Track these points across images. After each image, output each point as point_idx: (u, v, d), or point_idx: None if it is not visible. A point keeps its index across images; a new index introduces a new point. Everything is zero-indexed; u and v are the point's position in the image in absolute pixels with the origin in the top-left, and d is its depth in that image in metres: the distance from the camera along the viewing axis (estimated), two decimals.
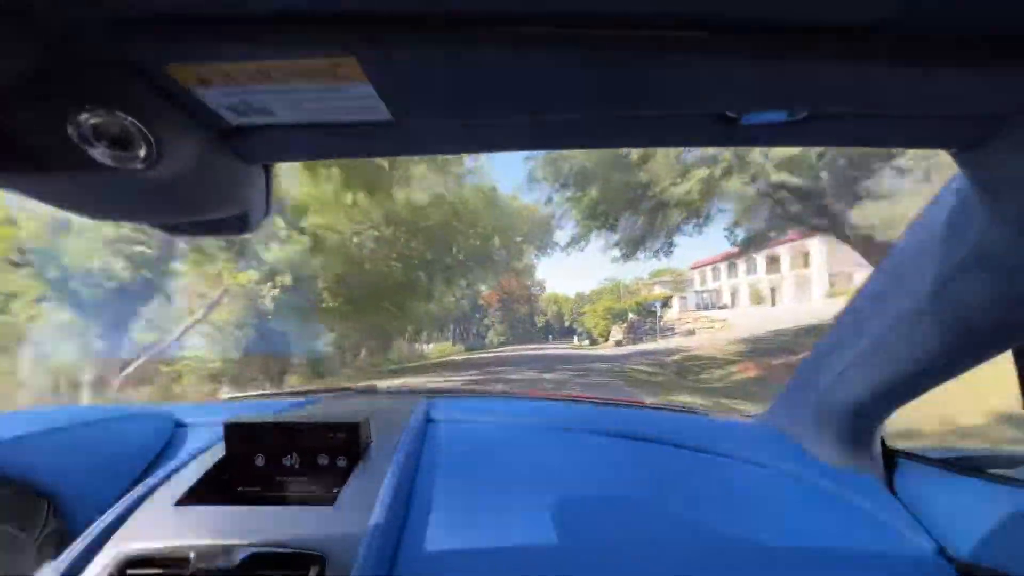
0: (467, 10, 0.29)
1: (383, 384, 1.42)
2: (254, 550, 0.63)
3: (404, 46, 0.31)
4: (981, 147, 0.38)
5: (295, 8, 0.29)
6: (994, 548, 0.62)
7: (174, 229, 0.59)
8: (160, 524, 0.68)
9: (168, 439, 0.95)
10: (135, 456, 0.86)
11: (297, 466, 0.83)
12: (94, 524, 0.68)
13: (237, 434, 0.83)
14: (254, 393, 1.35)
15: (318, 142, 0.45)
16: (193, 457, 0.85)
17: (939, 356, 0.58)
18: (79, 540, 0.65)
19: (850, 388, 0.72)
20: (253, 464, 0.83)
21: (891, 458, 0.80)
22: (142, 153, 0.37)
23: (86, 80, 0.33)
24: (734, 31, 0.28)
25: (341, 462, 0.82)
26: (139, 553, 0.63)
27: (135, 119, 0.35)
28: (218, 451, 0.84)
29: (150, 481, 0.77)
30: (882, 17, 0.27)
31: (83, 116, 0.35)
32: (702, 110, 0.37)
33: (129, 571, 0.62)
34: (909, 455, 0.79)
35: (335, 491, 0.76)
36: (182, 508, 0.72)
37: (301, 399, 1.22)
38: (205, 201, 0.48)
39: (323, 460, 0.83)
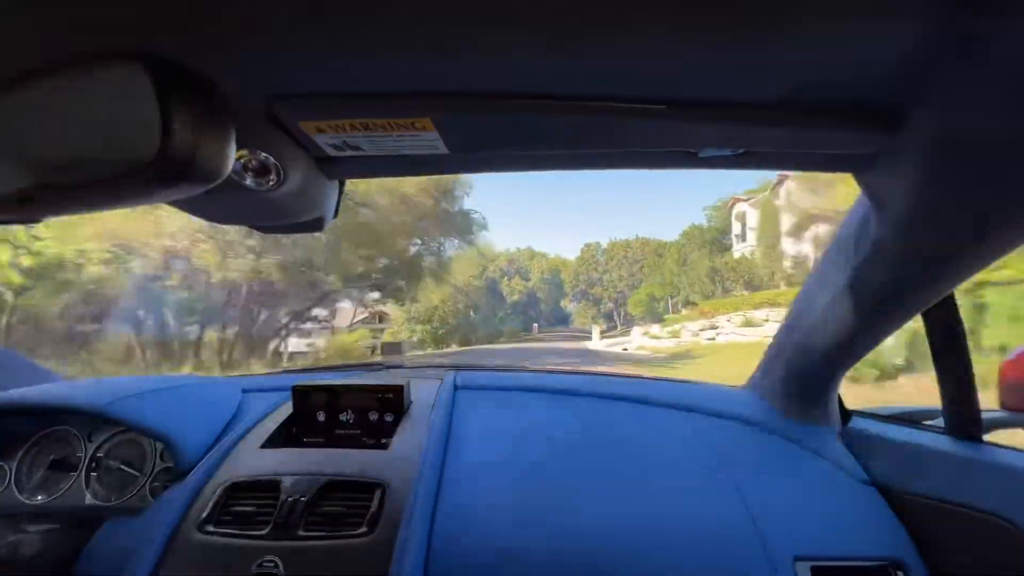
0: (501, 92, 0.44)
1: (408, 359, 1.59)
2: (330, 479, 0.81)
3: (461, 111, 0.46)
4: (870, 171, 0.52)
5: (391, 89, 0.44)
6: (908, 475, 0.77)
7: (264, 228, 0.76)
8: (252, 461, 0.86)
9: (239, 402, 1.13)
10: (217, 413, 1.04)
11: (352, 421, 1.00)
12: (201, 461, 0.86)
13: (303, 396, 1.01)
14: (298, 368, 1.54)
15: (388, 166, 0.60)
16: (265, 415, 1.03)
17: (865, 326, 0.72)
18: (193, 472, 0.83)
19: (806, 357, 0.87)
20: (316, 420, 1.01)
21: (847, 415, 0.95)
22: (272, 178, 0.53)
23: (244, 132, 0.49)
24: (684, 105, 0.43)
25: (388, 418, 1.00)
26: (243, 479, 0.81)
27: (272, 156, 0.51)
28: (286, 410, 1.02)
29: (235, 432, 0.96)
30: (776, 96, 0.42)
31: (238, 155, 0.50)
32: (670, 148, 0.51)
33: (236, 493, 0.80)
34: (861, 412, 0.94)
35: (384, 441, 0.93)
36: (266, 450, 0.90)
37: (341, 371, 1.40)
38: (297, 209, 0.64)
39: (373, 416, 1.00)
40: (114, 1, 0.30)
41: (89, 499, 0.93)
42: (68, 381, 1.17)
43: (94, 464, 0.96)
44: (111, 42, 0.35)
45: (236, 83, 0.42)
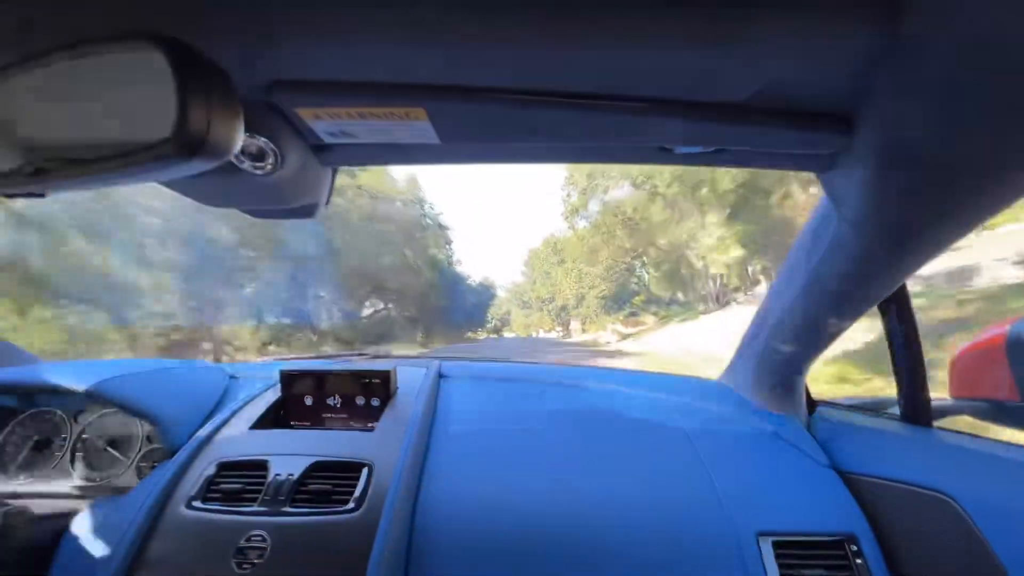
0: (492, 86, 0.47)
1: (396, 351, 1.61)
2: (317, 458, 0.83)
3: (454, 102, 0.49)
4: (830, 172, 0.56)
5: (388, 80, 0.47)
6: (864, 458, 0.83)
7: (258, 213, 0.78)
8: (241, 441, 0.88)
9: (225, 387, 1.14)
10: (204, 396, 1.05)
11: (339, 406, 1.03)
12: (191, 440, 0.88)
13: (291, 380, 1.03)
14: (288, 356, 1.55)
15: (381, 154, 0.63)
16: (251, 399, 1.04)
17: (826, 318, 0.77)
18: (182, 450, 0.85)
19: (774, 349, 0.92)
20: (303, 404, 1.02)
21: (813, 404, 1.01)
22: (270, 163, 0.55)
23: (244, 116, 0.51)
24: (664, 104, 0.47)
25: (375, 402, 1.02)
26: (231, 459, 0.83)
27: (270, 141, 0.53)
28: (273, 394, 1.04)
29: (223, 414, 0.97)
30: (745, 99, 0.46)
31: None
32: (649, 144, 0.55)
33: (224, 472, 0.81)
34: (826, 402, 1.00)
35: (370, 425, 0.95)
36: (254, 432, 0.91)
37: (330, 360, 1.42)
38: (292, 194, 0.67)
39: (360, 401, 1.02)
40: None
41: (75, 480, 0.94)
42: (52, 362, 1.17)
43: (80, 445, 0.97)
44: (124, 22, 0.37)
45: (239, 68, 0.44)
